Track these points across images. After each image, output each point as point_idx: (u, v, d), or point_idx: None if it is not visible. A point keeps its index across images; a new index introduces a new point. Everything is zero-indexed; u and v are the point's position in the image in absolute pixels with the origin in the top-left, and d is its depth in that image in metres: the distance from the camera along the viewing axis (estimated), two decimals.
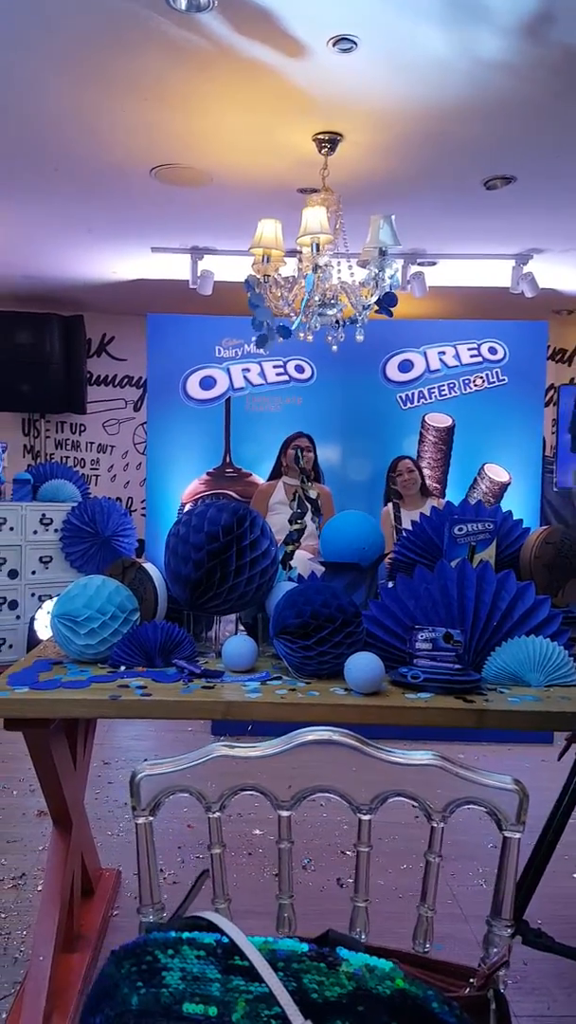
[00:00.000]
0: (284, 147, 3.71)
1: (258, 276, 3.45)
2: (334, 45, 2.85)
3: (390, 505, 4.60)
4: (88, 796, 2.55)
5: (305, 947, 0.58)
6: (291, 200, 4.16)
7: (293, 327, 3.54)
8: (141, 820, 0.87)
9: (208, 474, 5.50)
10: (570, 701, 1.63)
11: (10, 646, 4.72)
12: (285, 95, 3.24)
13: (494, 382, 5.44)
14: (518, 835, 0.86)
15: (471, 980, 0.76)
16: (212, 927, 0.59)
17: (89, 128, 3.53)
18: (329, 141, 3.60)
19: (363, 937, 0.92)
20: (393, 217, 3.36)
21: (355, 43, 2.84)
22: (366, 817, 0.90)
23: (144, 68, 3.03)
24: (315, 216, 3.29)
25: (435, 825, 0.90)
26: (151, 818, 0.88)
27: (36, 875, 2.52)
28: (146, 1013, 0.56)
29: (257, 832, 2.89)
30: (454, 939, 2.18)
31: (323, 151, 3.63)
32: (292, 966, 0.57)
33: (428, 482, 5.32)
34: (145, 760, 0.92)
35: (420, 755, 0.89)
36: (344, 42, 2.83)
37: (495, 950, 0.85)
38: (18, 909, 2.34)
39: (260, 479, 5.11)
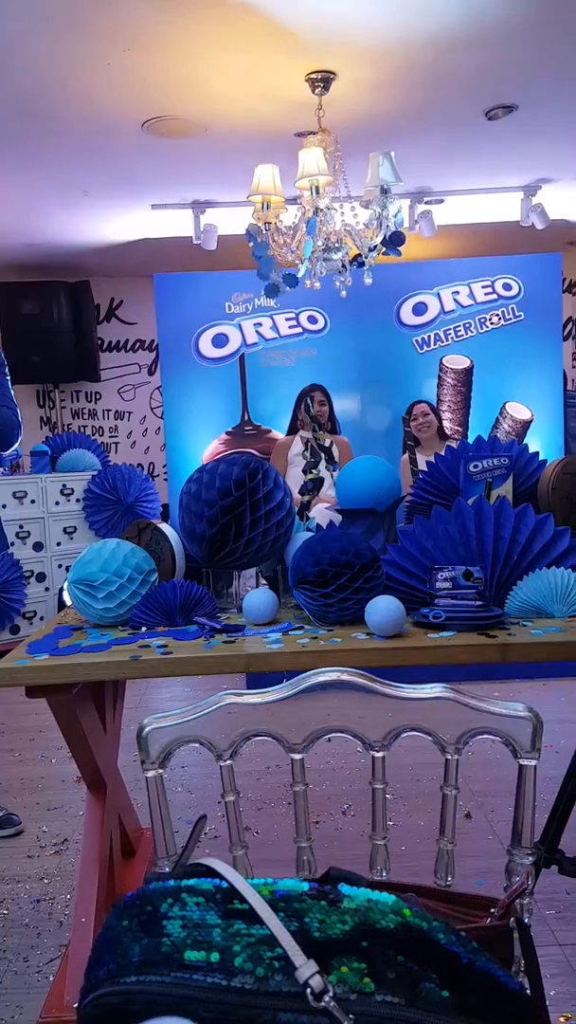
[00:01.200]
0: (277, 90, 3.60)
1: (259, 225, 3.37)
2: None
3: (407, 454, 4.55)
4: (126, 759, 2.59)
5: (306, 886, 0.57)
6: (289, 145, 4.04)
7: (300, 275, 3.46)
8: (151, 773, 0.86)
9: (227, 433, 5.47)
10: None
11: (41, 618, 4.78)
12: (273, 35, 3.12)
13: (510, 319, 5.32)
14: (534, 762, 0.84)
15: (492, 910, 0.74)
16: (212, 872, 0.58)
17: (74, 85, 3.45)
18: (322, 80, 3.49)
19: (384, 875, 0.91)
20: (392, 153, 3.25)
21: None
22: (379, 754, 0.89)
23: (125, 18, 2.94)
24: (312, 157, 3.20)
25: (449, 757, 0.88)
26: (161, 771, 0.87)
27: (77, 840, 2.57)
28: (147, 963, 0.55)
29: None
30: (494, 873, 2.18)
31: (317, 91, 3.52)
32: (293, 906, 0.56)
33: (450, 425, 5.25)
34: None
35: (430, 688, 0.87)
36: None
37: (517, 879, 0.84)
38: (61, 874, 2.39)
39: (280, 434, 5.07)
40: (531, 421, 5.36)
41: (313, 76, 3.47)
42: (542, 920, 2.00)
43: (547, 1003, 1.66)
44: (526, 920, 0.81)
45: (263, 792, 2.83)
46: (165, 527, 2.09)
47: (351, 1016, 0.51)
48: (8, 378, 2.60)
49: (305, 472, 2.39)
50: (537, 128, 4.11)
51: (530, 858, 0.86)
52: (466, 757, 2.67)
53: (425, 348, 5.41)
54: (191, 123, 3.89)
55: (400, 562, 1.88)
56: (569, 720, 2.60)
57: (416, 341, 5.40)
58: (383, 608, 1.67)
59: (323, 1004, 0.52)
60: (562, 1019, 1.67)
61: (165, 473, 5.95)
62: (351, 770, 2.97)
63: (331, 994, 0.52)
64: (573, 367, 5.82)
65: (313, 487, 2.43)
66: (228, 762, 0.90)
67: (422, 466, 4.33)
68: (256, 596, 1.86)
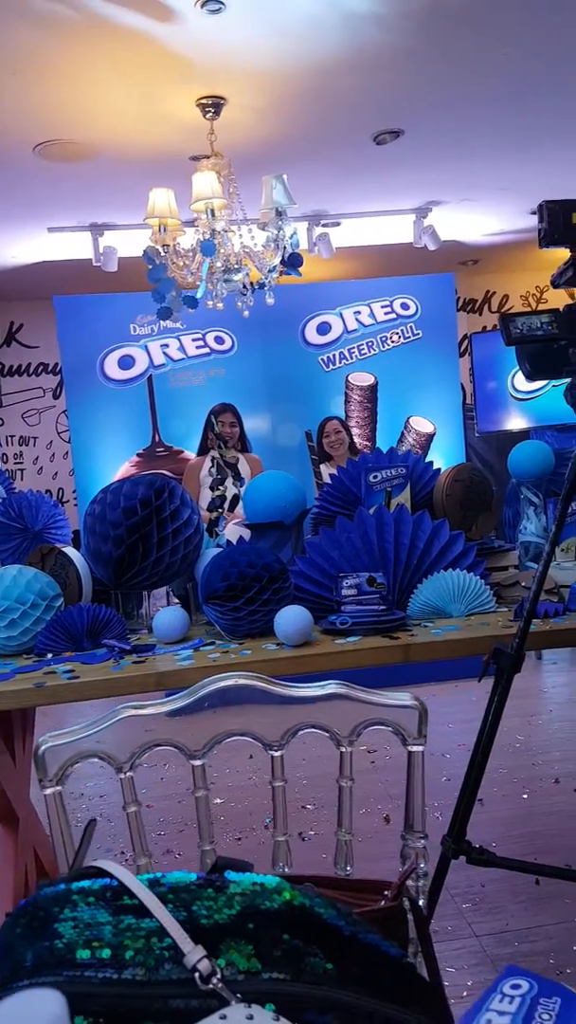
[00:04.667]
0: (169, 115, 3.65)
1: (156, 247, 3.39)
2: (202, 7, 2.80)
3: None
4: (36, 794, 2.54)
5: (194, 876, 0.59)
6: (185, 168, 4.08)
7: (198, 295, 3.50)
8: (49, 791, 0.86)
9: (138, 455, 5.44)
10: (488, 627, 1.68)
11: None
12: (162, 61, 3.17)
13: (410, 337, 5.50)
14: (421, 748, 0.89)
15: (385, 893, 0.78)
16: (102, 873, 0.59)
17: None
18: (212, 106, 3.55)
19: (285, 871, 0.94)
20: (285, 176, 3.34)
21: (223, 3, 2.79)
22: (277, 753, 0.91)
23: (13, 42, 2.93)
24: (206, 181, 3.25)
25: (344, 750, 0.91)
26: (59, 788, 0.88)
27: None
28: (40, 966, 0.56)
29: (218, 801, 2.92)
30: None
31: (208, 116, 3.58)
32: (181, 896, 0.58)
33: (358, 440, 5.36)
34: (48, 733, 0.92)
35: (324, 686, 0.90)
36: (211, 3, 2.78)
37: (409, 861, 0.88)
38: None
39: (192, 455, 5.08)
40: (434, 434, 5.54)
41: (204, 101, 3.53)
42: (459, 913, 2.06)
43: (464, 994, 1.72)
44: (420, 902, 0.84)
45: (184, 813, 2.81)
46: (70, 550, 2.08)
47: (238, 995, 0.54)
48: None
49: (212, 489, 2.42)
50: (424, 152, 4.29)
51: (422, 841, 0.90)
52: (383, 762, 2.73)
53: (331, 366, 5.53)
54: (85, 146, 3.90)
55: (307, 572, 1.92)
56: (478, 719, 2.70)
57: (322, 360, 5.52)
58: (291, 618, 1.70)
59: (211, 987, 0.54)
60: None
61: (75, 498, 5.86)
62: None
63: (218, 976, 0.54)
64: (470, 382, 6.06)
65: (220, 503, 2.45)
66: (129, 774, 0.91)
67: (326, 479, 4.41)
68: (166, 615, 1.87)
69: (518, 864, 1.53)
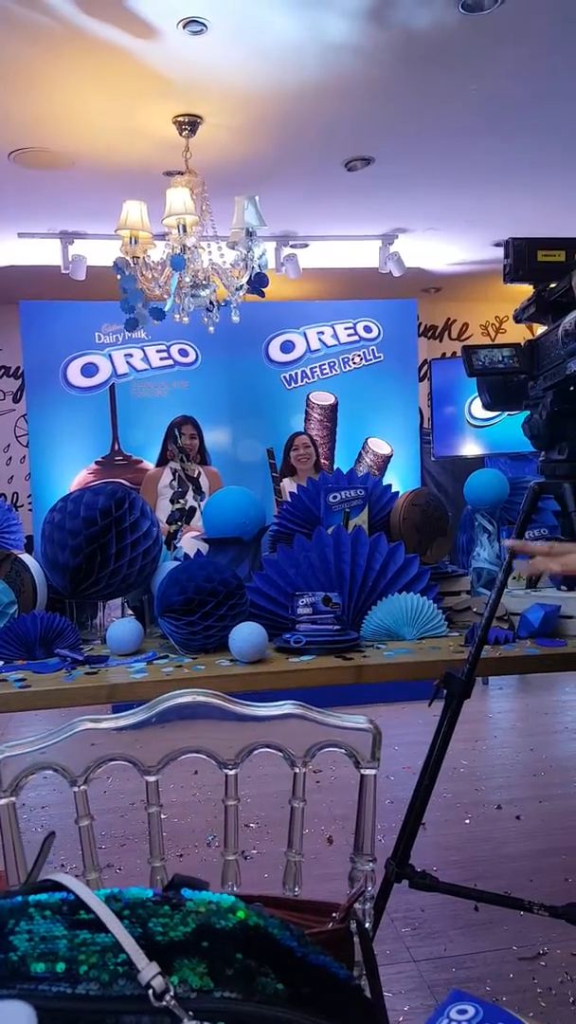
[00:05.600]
0: (145, 130, 3.66)
1: (127, 258, 3.40)
2: (184, 27, 2.83)
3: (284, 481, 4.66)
4: None
5: (150, 893, 0.59)
6: (158, 183, 4.11)
7: (166, 308, 3.51)
8: (2, 801, 0.86)
9: (97, 463, 5.40)
10: (439, 651, 1.71)
11: None
12: (142, 77, 3.19)
13: (371, 359, 5.58)
14: (373, 771, 0.90)
15: (333, 915, 0.79)
16: (58, 887, 0.60)
17: None
18: (189, 124, 3.59)
19: (234, 889, 0.94)
20: (257, 198, 3.38)
21: (205, 25, 2.83)
22: (232, 772, 0.92)
23: None
24: (178, 196, 3.27)
25: (297, 771, 0.93)
26: (13, 799, 0.87)
27: None
28: None
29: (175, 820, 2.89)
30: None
31: (184, 133, 3.61)
32: (137, 912, 0.58)
33: (320, 459, 5.41)
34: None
35: (280, 705, 0.91)
36: (194, 24, 2.82)
37: (358, 884, 0.90)
38: None
39: (150, 465, 5.06)
40: (391, 456, 5.62)
41: (180, 119, 3.56)
42: (398, 937, 2.08)
43: (400, 1019, 1.73)
44: (367, 924, 0.86)
45: (127, 828, 2.79)
46: (26, 557, 2.06)
47: (190, 1013, 0.54)
48: None
49: (172, 501, 2.42)
50: (393, 180, 4.37)
51: (371, 864, 0.92)
52: (328, 782, 2.75)
53: (293, 384, 5.58)
54: (59, 155, 3.89)
55: (264, 589, 1.94)
56: (424, 742, 2.73)
57: (284, 377, 5.56)
58: (245, 635, 1.71)
59: (164, 1003, 0.54)
60: None
61: (30, 503, 5.79)
62: (216, 801, 2.96)
63: (172, 993, 0.55)
64: (428, 406, 6.16)
65: (180, 517, 2.45)
66: (83, 788, 0.91)
67: (286, 496, 4.44)
68: (120, 626, 1.86)
69: (460, 890, 1.55)
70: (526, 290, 1.52)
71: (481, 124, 3.71)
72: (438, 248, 5.68)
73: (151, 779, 0.92)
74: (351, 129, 3.75)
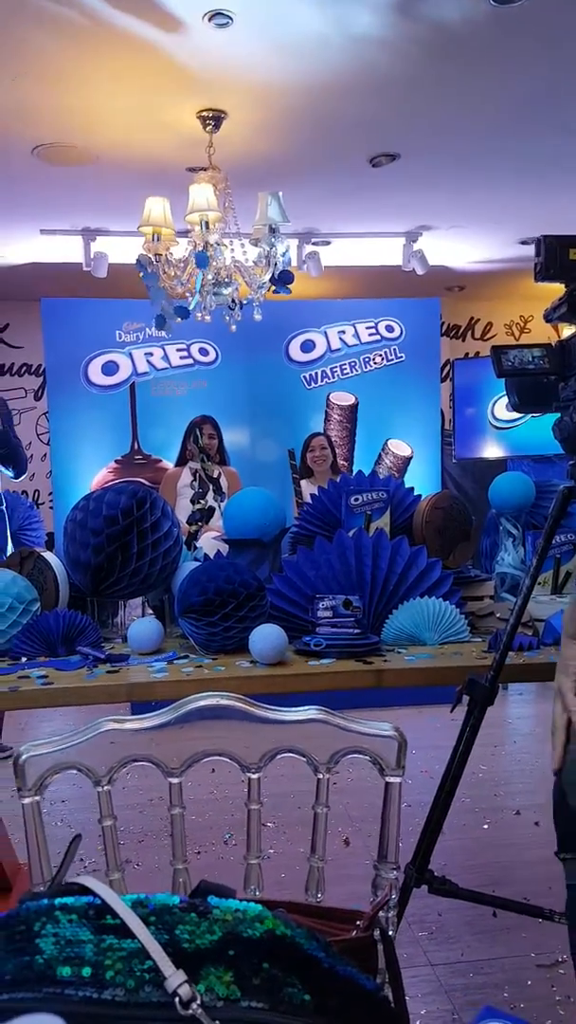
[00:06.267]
0: (169, 125, 3.67)
1: (149, 256, 3.40)
2: (210, 20, 2.83)
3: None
4: (3, 794, 2.50)
5: (177, 899, 0.59)
6: (181, 179, 4.10)
7: (191, 307, 3.51)
8: (27, 800, 0.86)
9: (116, 462, 5.42)
10: (461, 656, 1.70)
11: None
12: (167, 71, 3.19)
13: (392, 359, 5.55)
14: (398, 779, 0.90)
15: (358, 923, 0.79)
16: (86, 891, 0.60)
17: None
18: (213, 118, 3.58)
19: (256, 893, 0.94)
20: (280, 194, 3.37)
21: (231, 18, 2.83)
22: (255, 776, 0.92)
23: (18, 43, 2.94)
24: (202, 193, 3.27)
25: (321, 777, 0.92)
26: (37, 797, 0.87)
27: None
28: (19, 981, 0.56)
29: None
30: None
31: (208, 128, 3.61)
32: (164, 919, 0.58)
33: (337, 460, 5.39)
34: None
35: (304, 711, 0.91)
36: (220, 17, 2.81)
37: (382, 892, 0.89)
38: None
39: (169, 464, 5.07)
40: (411, 458, 5.59)
41: (205, 114, 3.56)
42: (415, 941, 2.07)
43: (417, 1023, 1.72)
44: (391, 932, 0.85)
45: (145, 824, 2.79)
46: (49, 555, 2.06)
47: (217, 1022, 0.54)
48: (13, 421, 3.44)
49: (193, 502, 2.42)
50: (418, 177, 4.35)
51: (395, 872, 0.91)
52: (345, 784, 2.74)
53: (313, 384, 5.56)
54: (83, 151, 3.90)
55: (284, 591, 1.93)
56: (442, 746, 2.72)
57: (304, 377, 5.55)
58: (266, 636, 1.71)
59: (190, 1012, 0.54)
60: None
61: (51, 501, 5.82)
62: (233, 799, 2.97)
63: (199, 1002, 0.54)
64: (450, 407, 6.12)
65: (201, 517, 2.46)
66: (106, 788, 0.91)
67: (306, 497, 4.43)
68: (141, 625, 1.86)
69: (479, 896, 1.54)
70: (554, 289, 1.49)
71: (510, 120, 3.68)
72: (462, 246, 5.64)
73: (174, 781, 0.91)
74: (377, 125, 3.73)
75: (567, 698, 1.12)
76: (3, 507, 3.54)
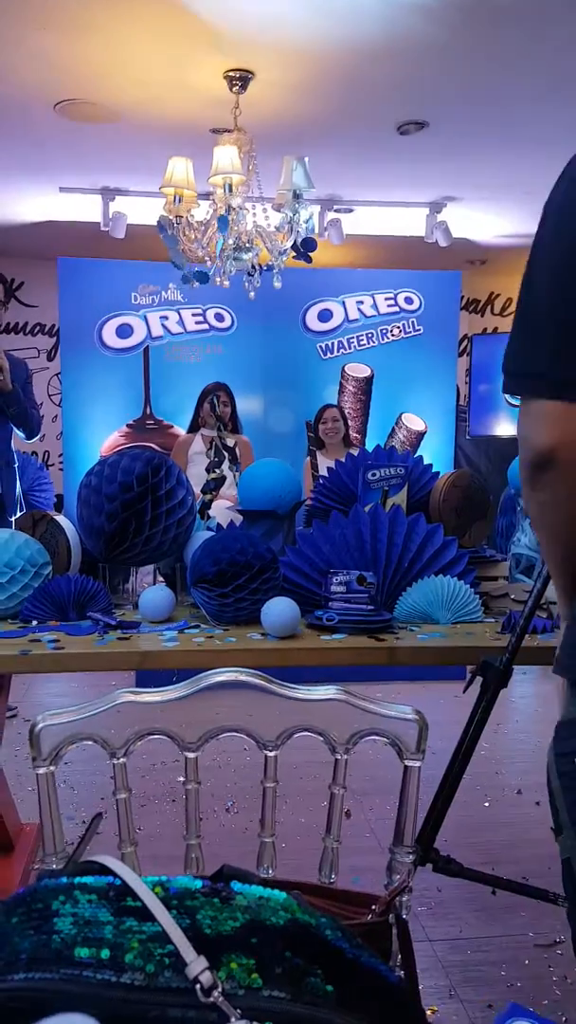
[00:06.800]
0: (195, 84, 3.58)
1: (170, 217, 3.34)
2: None
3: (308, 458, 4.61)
4: (6, 754, 2.51)
5: (199, 883, 0.58)
6: (204, 141, 4.02)
7: (210, 272, 3.45)
8: (42, 770, 0.85)
9: (128, 426, 5.38)
10: (474, 636, 1.68)
11: None
12: (194, 29, 3.11)
13: (410, 332, 5.48)
14: (418, 763, 0.88)
15: (373, 907, 0.78)
16: (105, 870, 0.58)
17: None
18: (240, 79, 3.50)
19: (270, 872, 0.93)
20: (307, 159, 3.29)
21: None
22: (272, 753, 0.91)
23: None
24: (226, 155, 3.20)
25: (339, 757, 0.91)
26: (52, 768, 0.86)
27: None
28: (36, 960, 0.55)
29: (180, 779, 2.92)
30: (371, 870, 2.25)
31: (234, 89, 3.52)
32: (186, 903, 0.57)
33: (350, 432, 5.35)
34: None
35: (323, 689, 0.89)
36: None
37: (398, 876, 0.88)
38: None
39: (181, 430, 5.03)
40: (424, 432, 5.54)
41: (232, 74, 3.47)
42: (414, 917, 2.08)
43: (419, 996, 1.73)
44: (404, 916, 0.84)
45: (148, 788, 2.81)
46: (61, 519, 2.05)
47: (238, 1011, 0.53)
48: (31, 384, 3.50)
49: (208, 471, 2.39)
50: (446, 147, 4.25)
51: (411, 856, 0.90)
52: (351, 755, 2.73)
53: (329, 354, 5.50)
54: (105, 109, 3.82)
55: (297, 564, 1.91)
56: (446, 722, 2.72)
57: (320, 347, 5.48)
58: (278, 610, 1.70)
59: (211, 999, 0.53)
60: (429, 1012, 1.74)
61: (61, 462, 5.80)
62: (236, 767, 2.98)
63: (220, 989, 0.53)
64: (466, 383, 6.05)
65: (215, 486, 2.43)
66: (122, 760, 0.90)
67: (323, 470, 4.39)
68: (153, 593, 1.85)
69: (484, 876, 1.54)
70: None
71: (544, 89, 3.57)
72: (487, 219, 5.54)
73: (191, 755, 0.90)
74: (407, 91, 3.63)
75: None
76: (15, 466, 3.52)
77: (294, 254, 3.47)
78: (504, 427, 5.83)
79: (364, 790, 2.80)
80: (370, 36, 3.14)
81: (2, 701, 2.16)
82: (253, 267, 3.55)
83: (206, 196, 3.53)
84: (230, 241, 3.39)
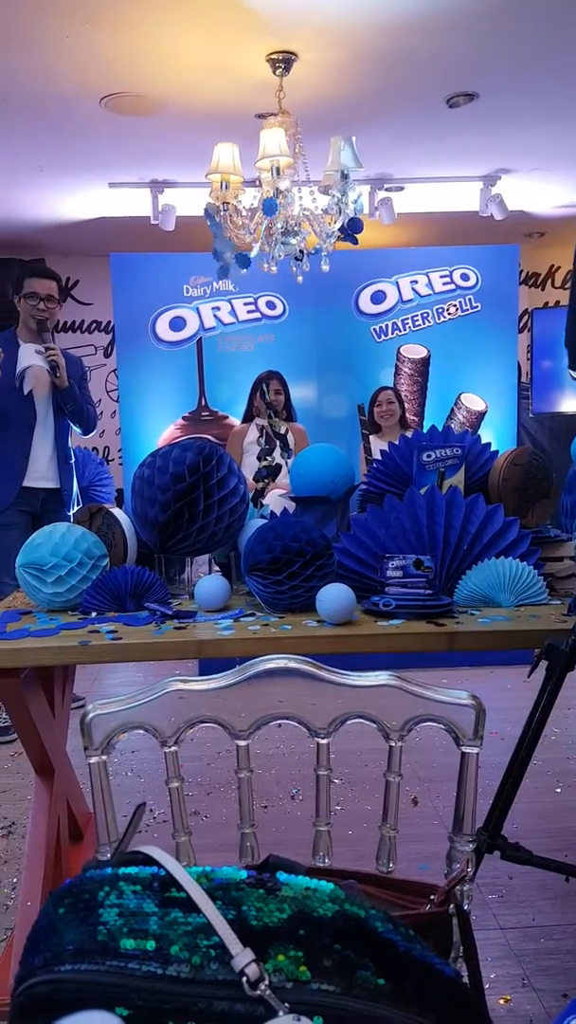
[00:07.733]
0: (238, 69, 3.55)
1: (217, 204, 3.33)
2: None
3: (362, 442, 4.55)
4: (75, 743, 2.56)
5: (244, 874, 0.56)
6: (249, 126, 3.99)
7: (252, 255, 3.43)
8: (94, 760, 0.85)
9: (184, 418, 5.41)
10: (539, 619, 1.63)
11: None
12: (235, 13, 3.08)
13: (467, 309, 5.35)
14: (476, 750, 0.85)
15: (432, 897, 0.75)
16: (150, 860, 0.57)
17: (31, 58, 3.36)
18: (283, 61, 3.45)
19: (326, 861, 0.92)
20: (354, 138, 3.24)
21: None
22: (324, 741, 0.89)
23: None
24: (273, 138, 3.17)
25: (393, 744, 0.88)
26: (104, 757, 0.86)
27: (25, 823, 2.54)
28: (82, 952, 0.54)
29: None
30: (439, 858, 2.22)
31: (278, 72, 3.49)
32: (231, 894, 0.56)
33: (408, 415, 5.27)
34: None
35: (375, 676, 0.87)
36: None
37: (458, 866, 0.85)
38: (8, 857, 2.36)
39: (237, 421, 5.04)
40: (485, 412, 5.42)
41: (274, 56, 3.43)
42: (484, 905, 2.04)
43: (487, 986, 1.70)
44: (465, 906, 0.81)
45: (213, 776, 2.83)
46: (117, 511, 2.07)
47: (286, 1005, 0.51)
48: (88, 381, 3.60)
49: (260, 459, 2.38)
50: (497, 117, 4.13)
51: (471, 845, 0.87)
52: (413, 743, 2.70)
53: (383, 337, 5.41)
54: (150, 100, 3.83)
55: (352, 550, 1.89)
56: (513, 707, 2.65)
57: (374, 330, 5.40)
58: (334, 596, 1.67)
59: (258, 992, 0.52)
60: (502, 1001, 1.70)
61: (120, 457, 5.88)
62: (300, 755, 2.98)
63: (267, 982, 0.52)
64: (527, 359, 5.88)
65: (268, 474, 2.42)
66: (173, 748, 0.89)
67: (376, 454, 4.34)
68: (208, 582, 1.85)
69: (554, 863, 1.50)
70: None
71: None
72: (544, 189, 5.36)
73: (242, 743, 0.89)
74: (455, 63, 3.53)
75: None
76: (72, 462, 3.58)
77: (341, 236, 3.42)
78: (569, 403, 5.66)
79: (431, 777, 2.77)
80: (413, 10, 3.06)
81: (68, 691, 2.19)
82: (301, 251, 3.52)
83: (252, 183, 3.51)
84: (278, 225, 3.35)
